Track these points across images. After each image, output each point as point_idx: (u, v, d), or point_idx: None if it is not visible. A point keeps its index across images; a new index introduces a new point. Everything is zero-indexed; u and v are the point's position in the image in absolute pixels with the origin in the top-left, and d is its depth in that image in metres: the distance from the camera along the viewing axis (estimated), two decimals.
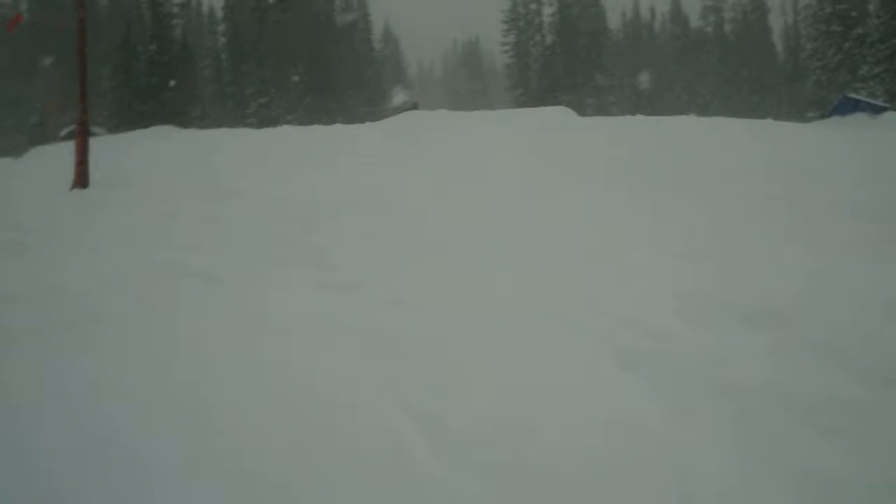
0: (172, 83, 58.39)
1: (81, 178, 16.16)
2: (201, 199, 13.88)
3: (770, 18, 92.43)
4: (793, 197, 13.59)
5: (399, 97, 74.38)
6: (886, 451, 4.85)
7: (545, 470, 4.71)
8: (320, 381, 5.86)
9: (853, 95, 53.01)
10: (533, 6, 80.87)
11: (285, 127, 27.72)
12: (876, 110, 45.81)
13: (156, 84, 58.59)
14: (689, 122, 25.53)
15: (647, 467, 4.75)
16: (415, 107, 46.89)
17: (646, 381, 5.91)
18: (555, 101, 52.82)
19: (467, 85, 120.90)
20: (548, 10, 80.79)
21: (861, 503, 4.42)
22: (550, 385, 5.87)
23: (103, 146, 19.56)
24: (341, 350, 6.50)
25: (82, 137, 16.48)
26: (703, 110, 69.25)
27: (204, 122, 57.93)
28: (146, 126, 42.07)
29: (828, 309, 7.30)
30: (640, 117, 27.97)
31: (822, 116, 52.63)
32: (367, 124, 26.67)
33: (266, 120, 58.82)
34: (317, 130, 23.89)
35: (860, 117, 43.10)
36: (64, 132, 45.64)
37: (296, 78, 66.19)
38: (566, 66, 77.46)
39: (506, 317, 7.37)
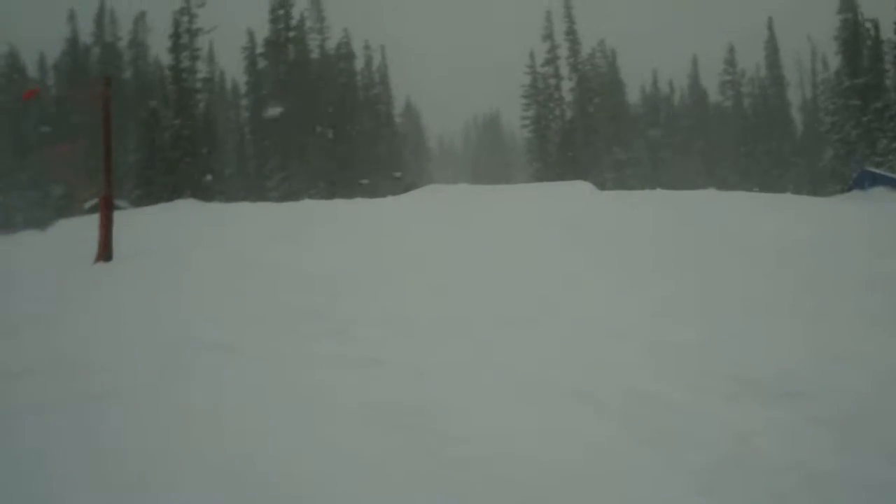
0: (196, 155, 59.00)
1: (105, 251, 16.26)
2: (223, 272, 13.94)
3: (788, 92, 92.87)
4: (819, 272, 13.56)
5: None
6: None
7: None
8: (342, 456, 5.87)
9: (872, 169, 53.10)
10: (552, 81, 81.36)
11: (307, 201, 27.96)
12: None
13: (179, 158, 59.07)
14: (708, 196, 25.56)
15: None
16: (409, 185, 46.73)
17: (666, 457, 5.89)
18: (575, 175, 53.00)
19: (487, 158, 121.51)
20: (567, 85, 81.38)
21: None
22: (570, 459, 5.86)
23: (127, 219, 19.71)
24: (362, 425, 6.50)
25: (106, 211, 16.62)
26: (723, 184, 69.32)
27: (226, 195, 58.30)
28: (169, 199, 42.36)
29: (850, 385, 7.27)
30: (659, 191, 28.07)
31: (843, 190, 52.66)
32: (389, 198, 26.82)
33: (288, 194, 59.16)
34: (338, 204, 24.05)
35: (881, 191, 43.16)
36: (89, 205, 46.02)
37: (318, 153, 66.74)
38: (586, 140, 77.84)
39: (524, 393, 7.36)
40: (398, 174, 64.66)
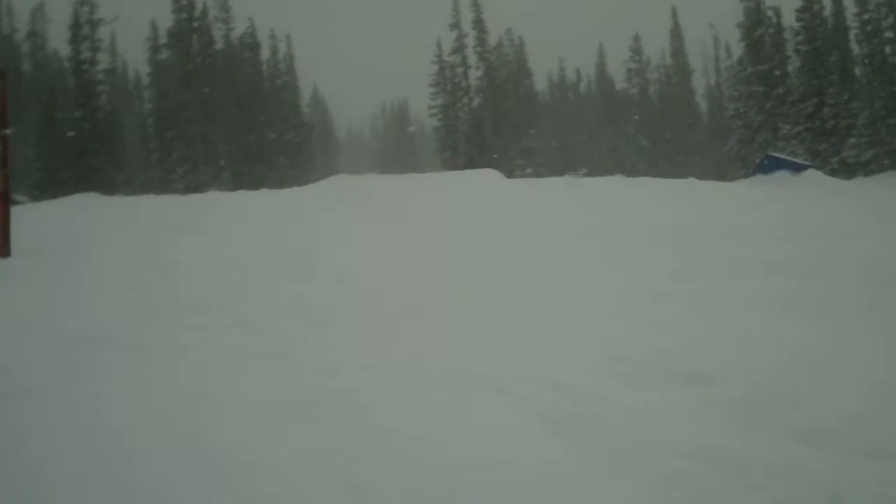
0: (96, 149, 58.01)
1: (3, 247, 15.87)
2: (126, 267, 13.68)
3: (693, 79, 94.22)
4: (720, 256, 13.73)
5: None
6: None
7: None
8: (250, 451, 5.74)
9: (775, 154, 54.17)
10: (460, 69, 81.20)
11: (212, 192, 27.61)
12: (797, 168, 46.90)
13: (81, 151, 57.98)
14: (617, 182, 25.77)
15: None
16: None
17: (575, 443, 5.86)
18: (483, 164, 53.13)
19: (396, 147, 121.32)
20: (475, 74, 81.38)
21: None
22: (479, 448, 5.80)
23: (26, 214, 19.29)
24: (271, 417, 6.38)
25: (4, 205, 16.21)
26: (631, 170, 70.05)
27: (130, 188, 57.43)
28: (70, 193, 41.50)
29: (756, 368, 7.32)
30: (567, 177, 28.22)
31: (746, 175, 53.63)
32: (295, 189, 26.55)
33: (193, 186, 58.33)
34: (244, 195, 23.77)
35: (783, 175, 44.04)
36: None
37: (223, 144, 66.04)
38: (494, 128, 78.02)
39: (433, 380, 7.30)
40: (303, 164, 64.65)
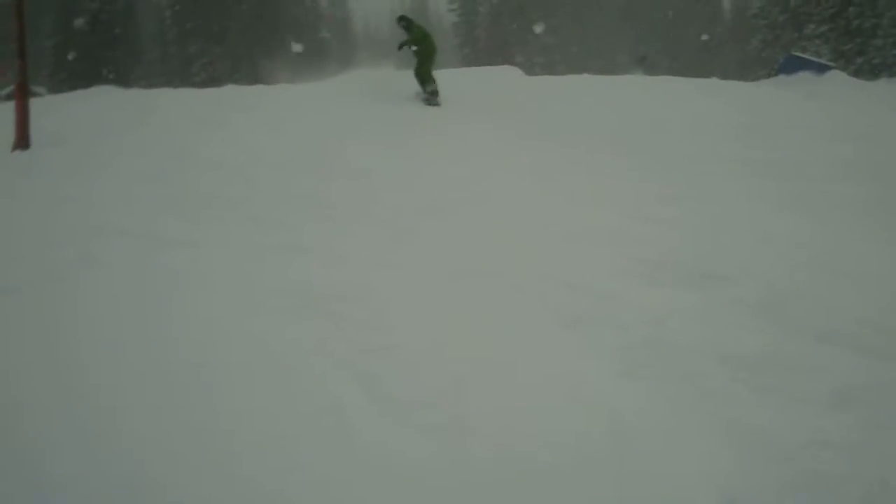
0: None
1: (22, 140, 15.86)
2: (143, 158, 13.67)
3: None
4: (746, 157, 13.65)
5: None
6: (815, 406, 4.91)
7: (484, 428, 4.72)
8: (266, 342, 5.83)
9: (798, 54, 53.43)
10: None
11: (230, 86, 27.40)
12: (821, 69, 46.23)
13: (97, 42, 57.64)
14: (638, 81, 25.48)
15: (585, 424, 4.78)
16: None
17: (586, 340, 5.93)
18: (502, 60, 52.66)
19: None
20: None
21: (787, 455, 4.48)
22: (490, 344, 5.87)
23: (45, 106, 19.19)
24: (286, 311, 6.46)
25: (22, 98, 16.18)
26: (651, 68, 69.31)
27: (147, 81, 57.11)
28: (88, 86, 41.39)
29: (769, 269, 7.35)
30: (586, 76, 27.91)
31: (769, 75, 52.97)
32: (313, 84, 26.34)
33: (211, 79, 57.97)
34: (262, 90, 23.59)
35: (806, 76, 43.44)
36: (4, 92, 44.82)
37: (239, 37, 65.45)
38: (514, 24, 77.20)
39: (449, 276, 7.35)
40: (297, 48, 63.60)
